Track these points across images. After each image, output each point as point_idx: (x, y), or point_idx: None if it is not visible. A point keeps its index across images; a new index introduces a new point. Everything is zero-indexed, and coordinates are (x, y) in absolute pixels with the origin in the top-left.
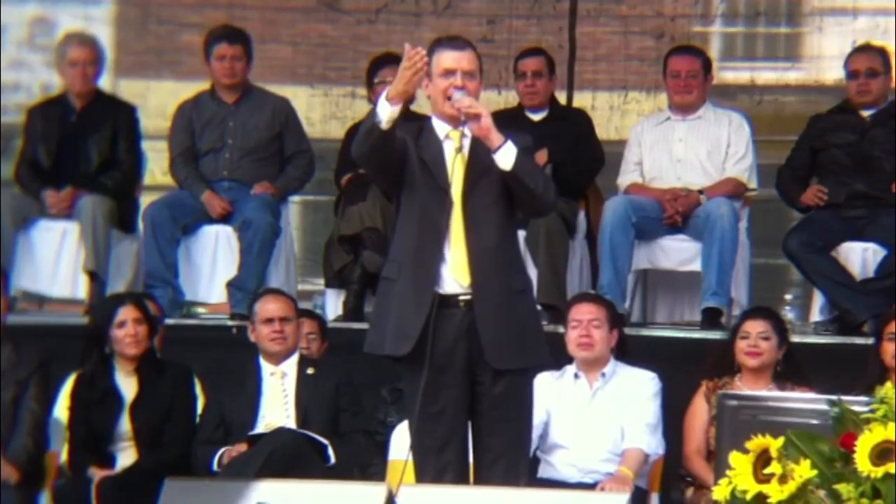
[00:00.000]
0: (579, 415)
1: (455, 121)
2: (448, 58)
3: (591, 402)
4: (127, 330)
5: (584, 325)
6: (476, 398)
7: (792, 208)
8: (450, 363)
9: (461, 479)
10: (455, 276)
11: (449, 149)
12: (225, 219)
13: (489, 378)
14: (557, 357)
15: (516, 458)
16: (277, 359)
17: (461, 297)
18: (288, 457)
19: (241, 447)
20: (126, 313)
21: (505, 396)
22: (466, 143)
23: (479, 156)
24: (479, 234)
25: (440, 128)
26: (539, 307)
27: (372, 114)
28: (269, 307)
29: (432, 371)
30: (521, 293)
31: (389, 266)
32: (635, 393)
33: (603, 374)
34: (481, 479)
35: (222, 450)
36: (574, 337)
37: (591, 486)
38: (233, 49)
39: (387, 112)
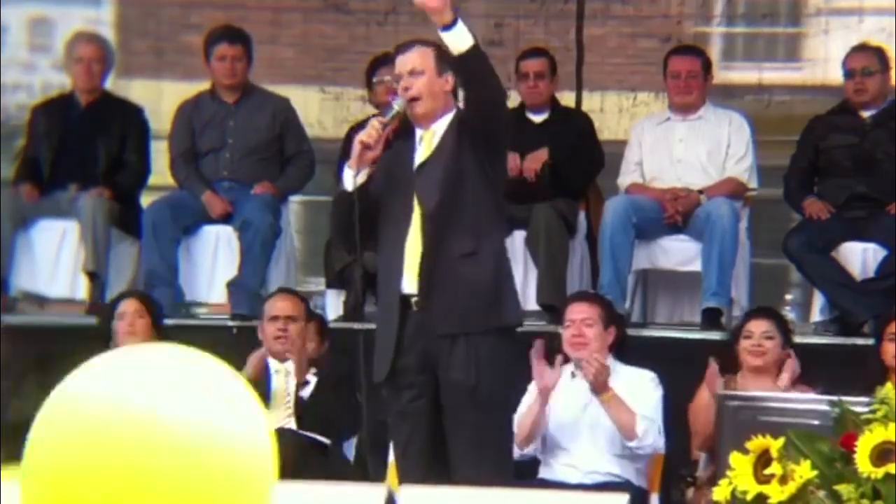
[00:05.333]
0: (578, 415)
1: (423, 121)
2: (395, 65)
3: (589, 402)
4: (126, 322)
5: (577, 324)
6: (439, 394)
7: (799, 214)
8: (408, 362)
9: (427, 476)
10: (410, 276)
11: (420, 151)
12: (225, 219)
13: (445, 375)
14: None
15: (485, 453)
16: (281, 357)
17: (414, 299)
18: (289, 460)
19: None
20: (126, 306)
21: (461, 399)
22: (436, 142)
23: (442, 145)
24: (434, 235)
25: (418, 130)
26: (539, 307)
27: (339, 187)
28: (275, 305)
29: (394, 371)
30: (467, 257)
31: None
32: (634, 392)
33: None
34: (456, 476)
35: None
36: (567, 336)
37: (591, 488)
38: (233, 49)
39: (350, 179)
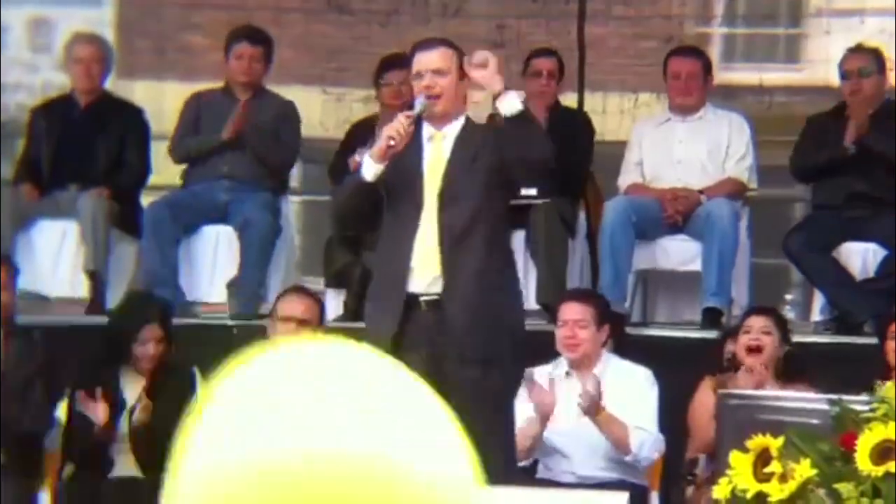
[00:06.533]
0: (573, 416)
1: (439, 121)
2: (416, 61)
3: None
4: (147, 349)
5: (570, 325)
6: (443, 394)
7: (818, 165)
8: (412, 361)
9: None
10: (419, 276)
11: (429, 151)
12: (224, 218)
13: (452, 374)
14: (557, 355)
15: (492, 451)
16: None
17: (423, 298)
18: None
19: None
20: (151, 333)
21: (470, 393)
22: (447, 145)
23: (461, 158)
24: (453, 234)
25: (426, 129)
26: (539, 306)
27: (356, 174)
28: (289, 306)
29: None
30: (499, 290)
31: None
32: (630, 394)
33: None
34: None
35: None
36: (560, 337)
37: (590, 486)
38: (253, 49)
39: (372, 169)
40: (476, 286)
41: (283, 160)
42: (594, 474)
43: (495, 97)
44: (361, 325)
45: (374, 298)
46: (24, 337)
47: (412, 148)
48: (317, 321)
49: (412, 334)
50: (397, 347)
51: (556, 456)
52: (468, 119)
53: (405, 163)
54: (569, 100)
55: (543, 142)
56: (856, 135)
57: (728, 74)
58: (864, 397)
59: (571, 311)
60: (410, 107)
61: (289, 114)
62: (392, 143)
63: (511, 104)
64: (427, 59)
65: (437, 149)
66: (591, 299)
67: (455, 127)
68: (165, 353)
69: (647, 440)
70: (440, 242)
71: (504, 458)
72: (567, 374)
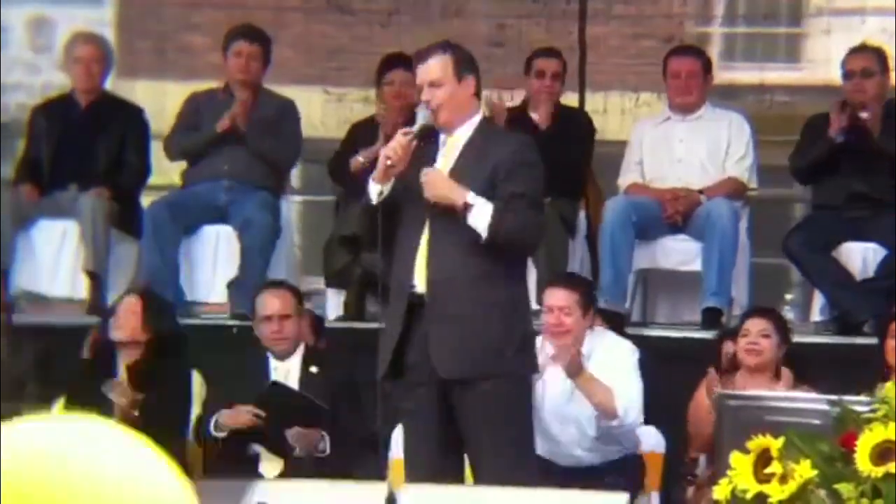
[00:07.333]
0: (560, 400)
1: (447, 127)
2: (417, 73)
3: (573, 391)
4: (125, 317)
5: (556, 312)
6: (452, 399)
7: (818, 161)
8: (418, 361)
9: (437, 475)
10: (419, 277)
11: (441, 157)
12: (224, 218)
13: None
14: None
15: (506, 458)
16: (281, 356)
17: (427, 297)
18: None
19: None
20: (127, 303)
21: (479, 399)
22: (457, 150)
23: (466, 163)
24: (446, 239)
25: (441, 136)
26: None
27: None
28: (267, 303)
29: (404, 369)
30: (492, 307)
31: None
32: (612, 359)
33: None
34: (479, 471)
35: (217, 414)
36: (546, 324)
37: (583, 471)
38: (251, 47)
39: (375, 190)
40: (463, 290)
41: (285, 157)
42: (584, 455)
43: (461, 211)
44: (362, 324)
45: (387, 301)
46: (16, 336)
47: (428, 155)
48: (297, 312)
49: (421, 333)
50: (402, 348)
51: (541, 436)
52: (483, 120)
53: (418, 166)
54: (570, 99)
55: (529, 237)
56: (839, 126)
57: (728, 74)
58: (864, 398)
59: (556, 298)
60: (411, 122)
61: (289, 111)
62: (389, 162)
63: (479, 222)
64: (423, 72)
65: (449, 155)
66: (576, 284)
67: (467, 130)
68: (146, 331)
69: (632, 404)
70: (428, 247)
71: (520, 450)
72: (552, 358)
